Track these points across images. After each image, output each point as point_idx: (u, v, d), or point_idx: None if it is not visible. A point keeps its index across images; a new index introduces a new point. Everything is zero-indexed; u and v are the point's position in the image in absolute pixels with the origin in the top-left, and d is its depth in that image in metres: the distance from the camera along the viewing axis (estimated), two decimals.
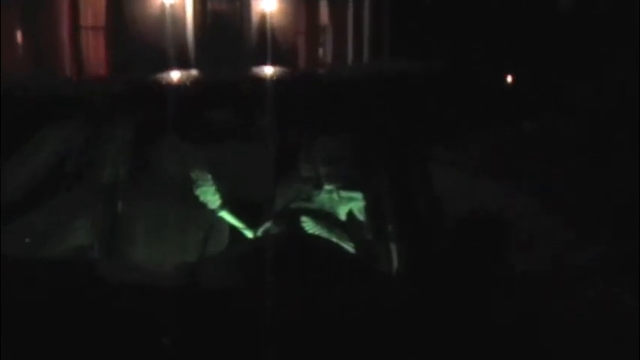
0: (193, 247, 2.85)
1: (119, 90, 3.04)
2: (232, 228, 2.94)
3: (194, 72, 3.42)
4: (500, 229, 2.30)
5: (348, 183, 2.91)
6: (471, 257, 2.27)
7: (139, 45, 11.94)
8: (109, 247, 2.86)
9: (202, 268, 2.49)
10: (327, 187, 2.93)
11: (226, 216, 2.92)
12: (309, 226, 2.78)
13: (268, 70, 3.26)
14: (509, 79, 14.59)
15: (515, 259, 2.45)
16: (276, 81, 3.06)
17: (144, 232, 2.91)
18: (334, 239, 2.73)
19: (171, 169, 3.00)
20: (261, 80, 3.09)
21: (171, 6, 12.75)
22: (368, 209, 2.80)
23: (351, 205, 2.88)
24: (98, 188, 2.92)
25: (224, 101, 2.90)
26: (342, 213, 2.88)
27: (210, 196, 2.90)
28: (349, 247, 2.70)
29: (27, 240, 2.62)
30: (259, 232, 2.86)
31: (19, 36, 10.83)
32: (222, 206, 2.91)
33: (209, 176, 2.91)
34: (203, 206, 2.91)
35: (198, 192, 2.90)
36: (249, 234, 2.91)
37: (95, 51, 12.05)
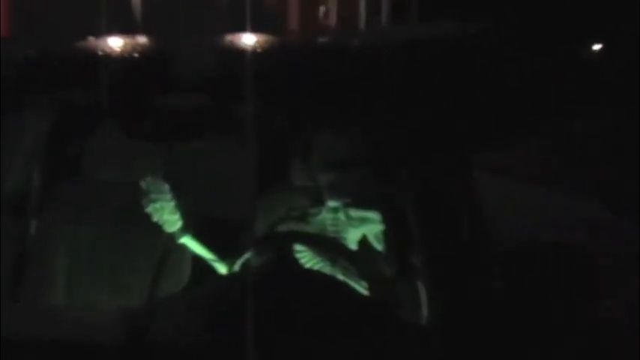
0: (141, 287, 2.85)
1: (29, 58, 3.01)
2: (197, 259, 2.96)
3: (142, 38, 3.43)
4: (580, 264, 2.31)
5: (360, 197, 2.92)
6: (538, 304, 2.28)
7: None
8: (14, 287, 2.88)
9: (153, 317, 2.49)
10: (331, 202, 2.94)
11: (189, 243, 2.93)
12: (304, 257, 2.79)
13: (248, 38, 3.27)
14: (594, 48, 14.54)
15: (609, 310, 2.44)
16: (260, 53, 3.07)
17: (68, 265, 2.92)
18: (340, 276, 2.73)
19: (110, 175, 3.02)
20: (238, 52, 3.10)
21: None
22: (388, 235, 2.82)
23: (364, 228, 2.89)
24: None
25: (186, 81, 2.89)
26: (351, 239, 2.89)
27: (166, 215, 2.89)
28: (361, 286, 2.71)
29: None
30: (235, 266, 2.87)
31: None
32: (184, 229, 2.92)
33: (165, 186, 2.90)
34: (156, 229, 2.91)
35: (150, 208, 2.88)
36: (221, 268, 2.92)
37: None
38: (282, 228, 2.93)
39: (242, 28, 3.32)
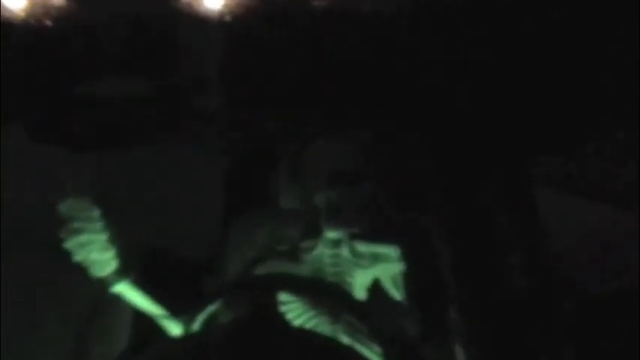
0: (57, 355, 2.83)
1: None
2: (140, 316, 2.91)
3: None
4: None
5: (371, 225, 2.93)
6: None
7: None
8: None
9: None
10: (331, 233, 2.94)
11: (128, 292, 2.88)
12: (293, 310, 2.75)
13: (213, 1, 3.32)
14: None
15: None
16: (230, 22, 3.04)
17: None
18: (343, 337, 2.71)
19: (14, 195, 2.94)
20: (198, 20, 3.09)
21: None
22: (411, 278, 2.80)
23: (376, 269, 2.89)
24: None
25: (125, 61, 2.91)
26: (359, 285, 2.89)
27: (95, 253, 2.83)
28: (372, 352, 2.67)
29: None
30: (194, 324, 2.83)
31: None
32: (121, 273, 2.86)
33: (94, 211, 2.85)
34: (81, 273, 2.85)
35: (71, 243, 2.82)
36: (173, 327, 2.88)
37: None
38: (263, 269, 2.93)
39: None
